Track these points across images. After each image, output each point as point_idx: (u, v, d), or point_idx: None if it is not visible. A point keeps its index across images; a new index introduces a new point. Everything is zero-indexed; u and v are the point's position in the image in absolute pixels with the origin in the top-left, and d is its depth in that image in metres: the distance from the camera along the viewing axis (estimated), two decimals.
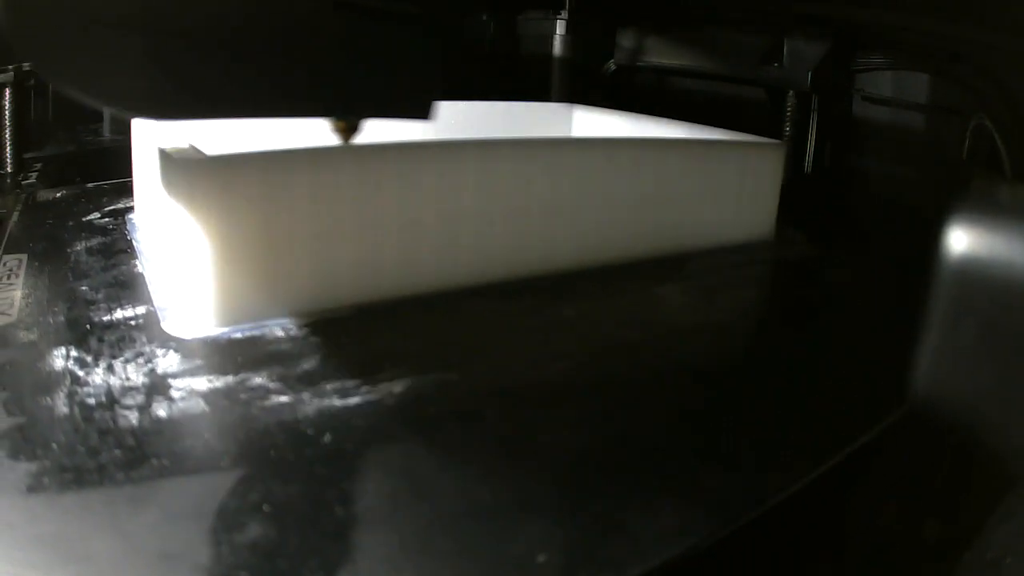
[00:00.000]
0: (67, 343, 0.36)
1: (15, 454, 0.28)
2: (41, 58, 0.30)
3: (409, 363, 0.35)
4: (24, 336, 0.37)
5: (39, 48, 0.30)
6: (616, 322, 0.44)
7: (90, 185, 0.68)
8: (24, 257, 0.48)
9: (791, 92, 0.83)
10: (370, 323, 0.40)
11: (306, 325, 0.39)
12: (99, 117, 0.87)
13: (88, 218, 0.58)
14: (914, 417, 0.39)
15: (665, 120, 0.72)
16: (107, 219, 0.58)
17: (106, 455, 0.27)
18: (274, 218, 0.38)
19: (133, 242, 0.52)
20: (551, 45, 0.99)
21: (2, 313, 0.39)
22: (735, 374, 0.40)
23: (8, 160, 0.74)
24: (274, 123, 0.55)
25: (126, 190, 0.63)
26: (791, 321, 0.50)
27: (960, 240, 0.27)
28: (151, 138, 0.47)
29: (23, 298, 0.41)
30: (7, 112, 0.74)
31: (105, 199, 0.64)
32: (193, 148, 0.41)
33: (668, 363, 0.40)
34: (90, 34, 0.28)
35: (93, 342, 0.36)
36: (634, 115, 0.76)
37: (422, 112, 0.38)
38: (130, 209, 0.60)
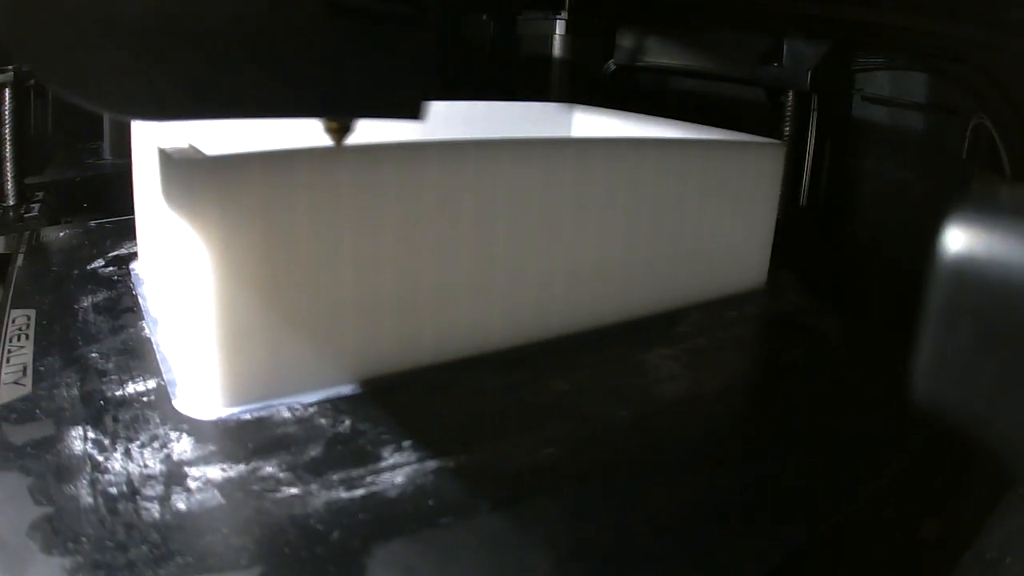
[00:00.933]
0: (84, 422, 0.38)
1: (48, 548, 0.29)
2: (37, 61, 0.31)
3: (409, 449, 0.37)
4: (41, 413, 0.38)
5: (35, 51, 0.30)
6: (607, 396, 0.45)
7: (93, 224, 0.70)
8: (32, 314, 0.49)
9: (791, 92, 0.83)
10: (371, 401, 0.42)
11: (311, 405, 0.41)
12: (99, 135, 0.87)
13: (92, 266, 0.59)
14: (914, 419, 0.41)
15: (665, 120, 0.72)
16: (111, 268, 0.59)
17: (134, 551, 0.29)
18: (275, 220, 0.39)
19: (138, 298, 0.53)
20: (551, 45, 0.99)
21: (17, 383, 0.41)
22: (724, 455, 0.41)
23: (10, 190, 0.74)
24: (272, 123, 0.56)
25: (128, 231, 0.64)
26: (783, 389, 0.50)
27: (958, 239, 0.28)
28: (151, 160, 0.48)
29: (36, 365, 0.43)
30: (7, 123, 0.74)
31: (108, 242, 0.65)
32: (193, 148, 0.41)
33: (657, 445, 0.41)
34: (84, 36, 0.29)
35: (109, 421, 0.38)
36: (634, 115, 0.76)
37: (413, 112, 0.38)
38: (133, 255, 0.61)
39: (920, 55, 0.77)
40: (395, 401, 0.42)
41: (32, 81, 0.79)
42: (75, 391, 0.40)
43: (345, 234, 0.41)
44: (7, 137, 0.75)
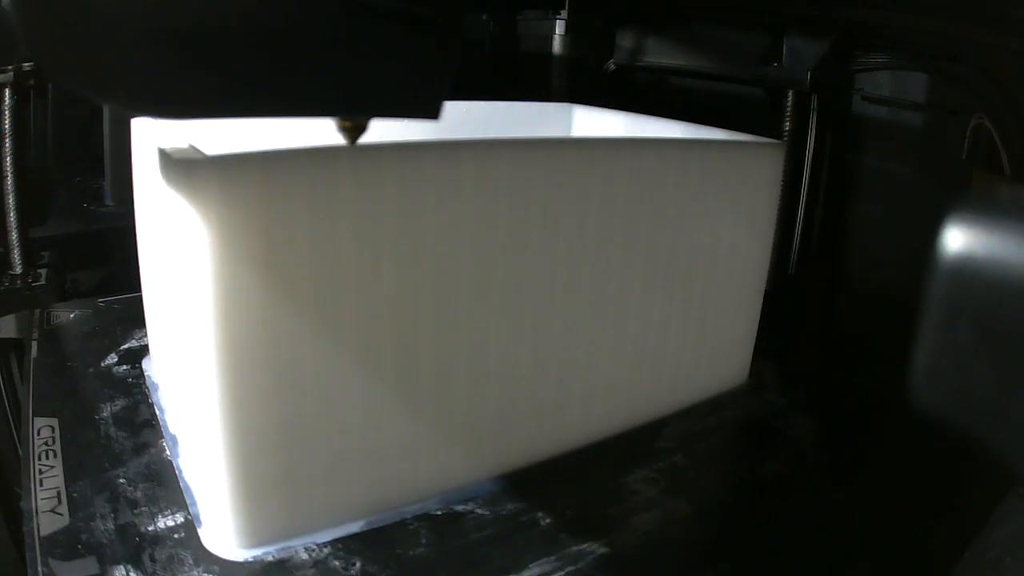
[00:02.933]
0: (124, 561, 0.41)
1: None
2: (50, 58, 0.31)
3: None
4: (83, 548, 0.41)
5: (48, 49, 0.31)
6: (587, 530, 0.47)
7: (101, 303, 0.71)
8: (55, 424, 0.51)
9: (790, 92, 0.83)
10: (377, 541, 0.45)
11: (325, 545, 0.43)
12: (99, 169, 0.87)
13: (106, 363, 0.61)
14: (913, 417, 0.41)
15: (665, 120, 0.73)
16: (125, 367, 0.61)
17: None
18: (276, 222, 0.40)
19: (155, 408, 0.55)
20: (551, 45, 0.99)
21: (54, 512, 0.43)
22: None
23: (16, 255, 0.72)
24: (274, 123, 0.56)
25: (135, 313, 0.65)
26: (763, 512, 0.51)
27: (958, 239, 0.28)
28: (151, 166, 0.48)
29: (69, 490, 0.45)
30: (8, 135, 0.73)
31: (119, 330, 0.67)
32: (193, 148, 0.42)
33: None
34: (95, 33, 0.29)
35: (147, 560, 0.41)
36: (634, 115, 0.76)
37: (432, 112, 0.37)
38: (144, 349, 0.63)
39: (920, 55, 0.77)
40: (398, 539, 0.45)
41: (32, 82, 0.78)
42: (111, 524, 0.43)
43: (344, 252, 0.42)
44: (7, 151, 0.72)
